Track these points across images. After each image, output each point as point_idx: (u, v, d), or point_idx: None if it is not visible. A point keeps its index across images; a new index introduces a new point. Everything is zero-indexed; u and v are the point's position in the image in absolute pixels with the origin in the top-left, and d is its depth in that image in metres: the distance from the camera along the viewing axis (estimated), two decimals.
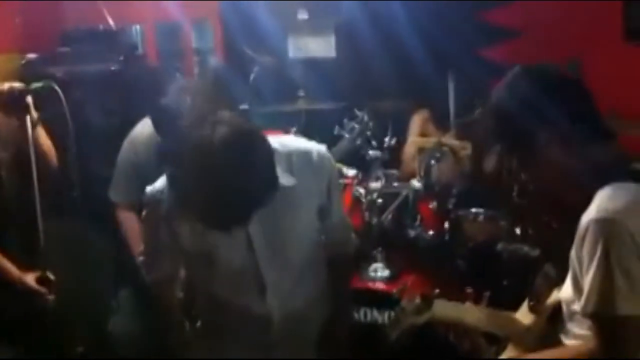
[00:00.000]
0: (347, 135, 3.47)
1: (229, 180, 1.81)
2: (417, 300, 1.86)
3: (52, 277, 2.68)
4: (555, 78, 1.83)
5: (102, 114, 3.50)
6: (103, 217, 3.12)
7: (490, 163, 1.88)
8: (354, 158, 3.59)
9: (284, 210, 2.09)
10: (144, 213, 2.25)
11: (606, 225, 1.62)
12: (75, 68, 3.60)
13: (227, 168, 1.80)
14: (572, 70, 3.48)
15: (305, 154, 2.13)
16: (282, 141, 2.14)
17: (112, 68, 3.62)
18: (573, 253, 1.70)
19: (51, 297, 2.69)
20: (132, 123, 3.10)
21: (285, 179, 2.04)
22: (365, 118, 3.47)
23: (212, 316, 2.34)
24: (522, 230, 3.23)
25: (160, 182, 2.16)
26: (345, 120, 3.51)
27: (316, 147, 2.18)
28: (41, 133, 2.68)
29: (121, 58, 3.67)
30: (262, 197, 1.90)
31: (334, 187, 2.22)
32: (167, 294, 2.35)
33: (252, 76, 3.90)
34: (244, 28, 4.40)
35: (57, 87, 2.48)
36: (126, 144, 3.05)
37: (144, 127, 3.00)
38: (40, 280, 2.68)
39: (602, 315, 1.64)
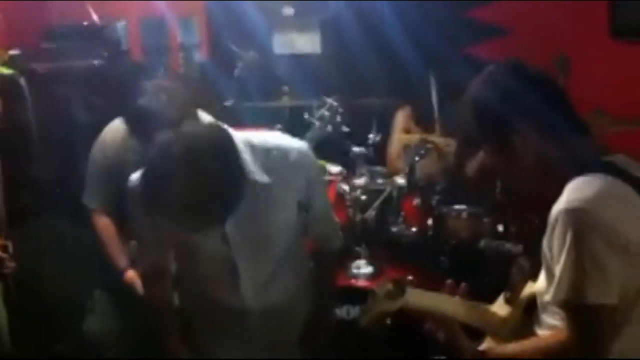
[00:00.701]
0: (317, 123, 3.45)
1: (188, 191, 1.81)
2: (389, 285, 1.83)
3: (10, 246, 2.69)
4: (531, 74, 1.83)
5: (85, 110, 3.47)
6: (83, 215, 3.10)
7: (472, 164, 1.89)
8: (338, 155, 3.59)
9: (260, 206, 2.09)
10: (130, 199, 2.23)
11: (576, 215, 1.62)
12: (59, 64, 3.57)
13: (185, 180, 1.81)
14: (559, 67, 3.48)
15: (285, 151, 2.13)
16: (262, 137, 2.14)
17: (96, 64, 3.60)
18: (545, 244, 1.71)
19: (12, 264, 2.69)
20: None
21: (260, 176, 2.05)
22: (334, 104, 3.45)
23: (193, 309, 2.34)
24: (504, 227, 3.24)
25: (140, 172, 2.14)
26: (314, 108, 3.49)
27: (296, 144, 2.18)
28: None
29: (105, 54, 3.64)
30: (228, 203, 1.92)
31: (314, 183, 2.20)
32: (154, 287, 2.34)
33: (236, 72, 3.88)
34: (229, 24, 4.40)
35: (23, 84, 2.46)
36: (95, 146, 3.00)
37: (113, 129, 2.97)
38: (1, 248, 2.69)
39: (572, 303, 1.64)
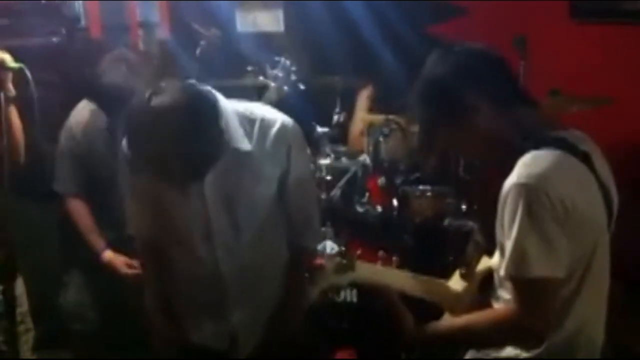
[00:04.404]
0: (273, 85, 3.43)
1: (167, 146, 1.85)
2: (338, 259, 1.85)
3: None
4: (482, 50, 1.88)
5: (43, 88, 3.40)
6: (46, 193, 3.06)
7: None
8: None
9: (241, 174, 2.12)
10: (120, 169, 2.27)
11: (525, 190, 1.66)
12: (16, 41, 3.47)
13: (165, 135, 1.84)
14: (518, 47, 3.51)
15: (269, 122, 2.14)
16: (249, 107, 2.16)
17: (54, 41, 3.52)
18: (498, 219, 1.75)
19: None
20: (74, 97, 3.03)
21: (242, 144, 2.08)
22: (287, 63, 3.44)
23: (168, 277, 2.33)
24: (467, 206, 3.29)
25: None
26: (268, 68, 3.46)
27: (281, 118, 2.18)
28: (14, 112, 2.59)
29: (63, 31, 3.57)
30: (208, 159, 1.96)
31: (294, 158, 2.18)
32: (152, 261, 2.35)
33: (198, 50, 3.84)
34: (191, 2, 4.33)
35: (27, 72, 2.41)
36: (64, 132, 2.99)
37: (80, 113, 2.97)
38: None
39: (519, 276, 1.69)
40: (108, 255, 2.96)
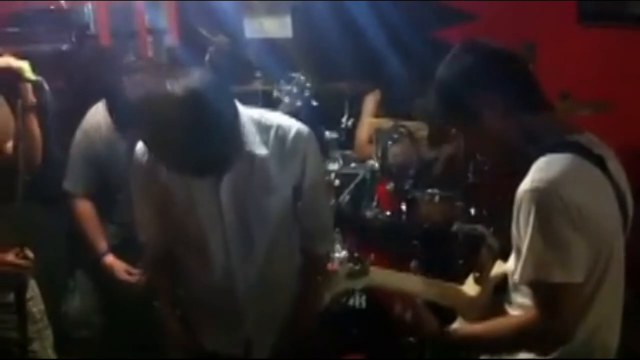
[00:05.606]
0: (286, 100, 3.44)
1: (190, 131, 1.82)
2: (352, 265, 1.84)
3: (30, 254, 2.57)
4: (494, 51, 1.85)
5: (53, 95, 3.41)
6: (55, 198, 3.08)
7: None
8: None
9: (257, 180, 2.10)
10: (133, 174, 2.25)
11: (539, 195, 1.65)
12: (25, 48, 3.49)
13: (188, 120, 1.81)
14: (527, 52, 3.51)
15: (285, 130, 2.12)
16: (265, 114, 2.14)
17: (63, 48, 3.53)
18: (513, 224, 1.74)
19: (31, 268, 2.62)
20: (84, 104, 3.05)
21: (259, 149, 2.06)
22: (302, 78, 3.45)
23: (181, 285, 2.34)
24: (476, 211, 3.28)
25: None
26: (282, 82, 3.48)
27: (296, 125, 2.16)
28: (34, 121, 2.61)
29: (72, 38, 3.58)
30: (224, 151, 1.94)
31: (309, 165, 2.16)
32: (160, 272, 2.36)
33: (207, 57, 3.86)
34: (199, 8, 4.35)
35: (45, 85, 2.43)
36: (79, 134, 3.01)
37: (96, 116, 2.99)
38: (19, 257, 2.56)
39: (538, 283, 1.68)
40: (109, 259, 2.96)
